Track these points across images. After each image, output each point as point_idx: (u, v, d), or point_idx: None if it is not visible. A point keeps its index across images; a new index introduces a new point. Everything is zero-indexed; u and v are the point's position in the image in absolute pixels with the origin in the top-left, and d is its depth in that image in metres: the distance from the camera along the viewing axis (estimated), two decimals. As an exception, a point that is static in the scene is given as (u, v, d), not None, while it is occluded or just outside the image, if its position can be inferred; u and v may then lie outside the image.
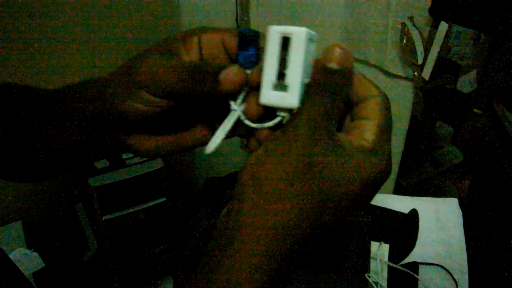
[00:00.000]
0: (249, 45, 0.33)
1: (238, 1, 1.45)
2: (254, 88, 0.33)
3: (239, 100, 0.34)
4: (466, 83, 1.41)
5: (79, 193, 1.44)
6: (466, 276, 0.85)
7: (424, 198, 0.96)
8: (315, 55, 0.33)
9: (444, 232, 0.93)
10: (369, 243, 0.87)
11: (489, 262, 0.93)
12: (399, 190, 1.27)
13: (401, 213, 0.91)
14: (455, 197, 1.04)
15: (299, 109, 0.30)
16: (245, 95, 0.34)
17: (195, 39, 0.37)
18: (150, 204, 1.29)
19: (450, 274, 0.86)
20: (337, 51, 0.31)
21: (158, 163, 1.26)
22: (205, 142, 0.38)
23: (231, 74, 0.32)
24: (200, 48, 0.37)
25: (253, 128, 0.34)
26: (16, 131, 0.40)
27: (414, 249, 0.90)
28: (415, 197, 0.96)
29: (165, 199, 1.30)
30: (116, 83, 0.36)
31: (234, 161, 1.79)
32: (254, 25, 1.48)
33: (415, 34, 1.09)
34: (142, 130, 0.39)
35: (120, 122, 0.37)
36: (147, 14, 1.46)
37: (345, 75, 0.31)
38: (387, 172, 0.30)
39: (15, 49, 1.20)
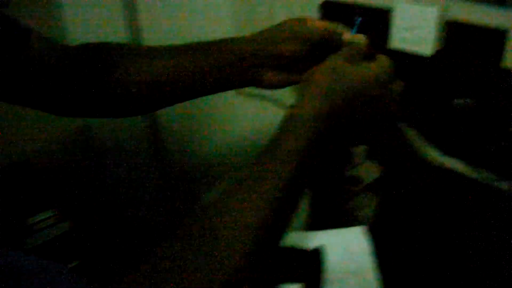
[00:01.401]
0: (356, 24, 0.68)
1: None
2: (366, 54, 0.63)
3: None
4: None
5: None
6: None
7: (331, 231, 0.96)
8: None
9: (354, 262, 0.93)
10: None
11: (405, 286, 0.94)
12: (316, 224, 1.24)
13: (305, 250, 0.91)
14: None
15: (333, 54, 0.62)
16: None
17: (309, 22, 0.68)
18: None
19: (363, 304, 0.86)
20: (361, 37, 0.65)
21: (64, 227, 1.19)
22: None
23: (347, 33, 0.66)
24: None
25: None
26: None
27: (327, 284, 0.90)
28: (323, 231, 0.97)
29: (78, 262, 1.23)
30: (280, 35, 0.68)
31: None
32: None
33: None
34: (280, 67, 0.70)
35: (277, 59, 0.69)
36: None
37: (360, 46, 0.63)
38: (384, 77, 0.59)
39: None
